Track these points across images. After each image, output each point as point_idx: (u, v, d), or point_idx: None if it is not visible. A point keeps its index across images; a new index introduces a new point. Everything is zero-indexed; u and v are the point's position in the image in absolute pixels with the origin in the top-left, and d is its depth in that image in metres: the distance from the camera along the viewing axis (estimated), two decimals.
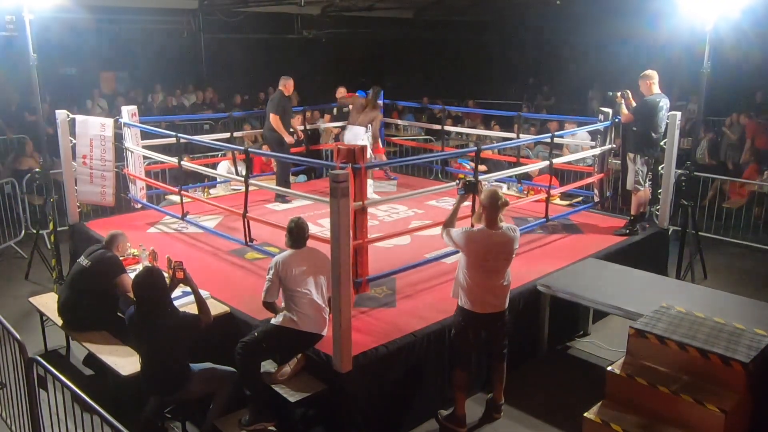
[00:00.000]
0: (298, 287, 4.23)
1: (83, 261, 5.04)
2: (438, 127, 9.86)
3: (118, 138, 7.32)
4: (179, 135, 6.83)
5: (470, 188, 4.60)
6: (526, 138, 8.50)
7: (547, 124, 10.77)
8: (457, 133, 11.94)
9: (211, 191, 8.35)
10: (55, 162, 8.10)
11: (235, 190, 8.33)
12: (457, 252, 4.53)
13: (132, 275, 4.74)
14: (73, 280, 5.03)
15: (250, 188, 6.15)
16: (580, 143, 8.31)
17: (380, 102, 8.95)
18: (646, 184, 6.66)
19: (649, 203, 6.94)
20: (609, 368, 4.13)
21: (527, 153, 9.77)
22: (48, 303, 5.44)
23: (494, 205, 4.24)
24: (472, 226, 4.50)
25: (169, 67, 14.23)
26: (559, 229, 6.95)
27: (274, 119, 7.87)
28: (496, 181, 8.31)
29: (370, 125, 8.40)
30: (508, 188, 8.61)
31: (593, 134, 7.68)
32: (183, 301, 4.71)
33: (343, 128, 8.97)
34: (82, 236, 6.94)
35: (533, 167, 8.15)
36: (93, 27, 12.25)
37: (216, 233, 6.66)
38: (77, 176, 7.20)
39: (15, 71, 10.08)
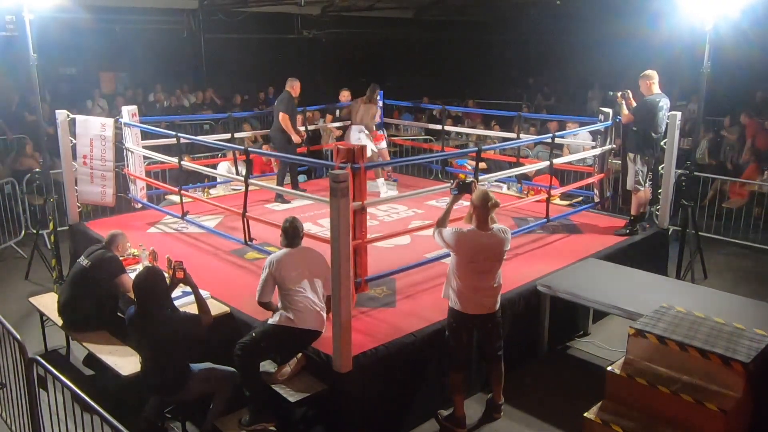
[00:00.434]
0: (292, 286, 4.24)
1: (83, 261, 5.04)
2: (438, 127, 9.86)
3: (118, 138, 7.32)
4: (179, 135, 6.84)
5: (464, 188, 4.59)
6: (526, 138, 8.50)
7: (547, 124, 10.77)
8: (457, 133, 11.93)
9: (211, 191, 8.35)
10: (55, 162, 8.10)
11: (235, 190, 8.33)
12: None
13: (132, 275, 4.74)
14: (73, 280, 5.03)
15: (250, 188, 6.15)
16: (581, 143, 8.31)
17: (379, 100, 8.94)
18: (646, 184, 6.66)
19: (649, 203, 6.94)
20: (609, 368, 4.13)
21: (527, 153, 9.77)
22: (48, 303, 5.44)
23: (484, 206, 4.24)
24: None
25: (169, 67, 14.24)
26: (560, 229, 6.95)
27: (283, 118, 7.89)
28: (496, 181, 8.34)
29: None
30: (508, 188, 8.61)
31: (593, 134, 7.68)
32: (183, 301, 4.71)
33: (343, 128, 8.98)
34: (82, 236, 6.94)
35: (534, 167, 8.15)
36: (93, 27, 12.24)
37: (216, 233, 6.66)
38: (77, 176, 7.20)
39: (15, 71, 10.10)
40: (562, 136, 8.03)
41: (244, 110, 12.59)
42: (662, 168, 6.91)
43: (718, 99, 10.96)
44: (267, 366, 4.43)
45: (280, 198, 8.00)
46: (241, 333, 4.53)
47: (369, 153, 8.13)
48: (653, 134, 6.44)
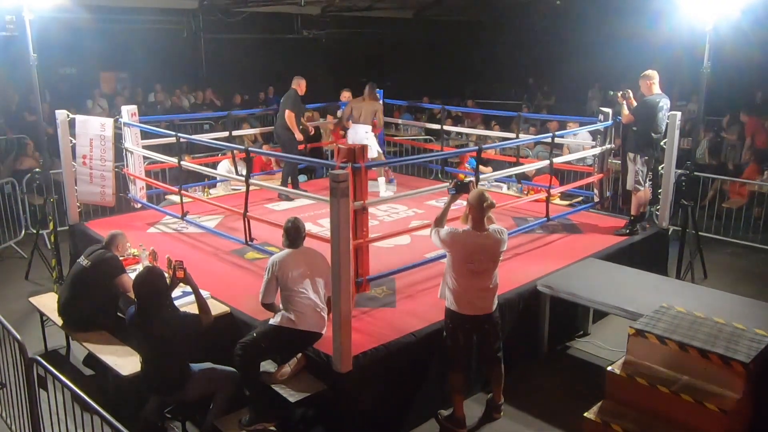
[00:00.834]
0: (294, 287, 4.24)
1: (83, 261, 5.04)
2: (438, 126, 9.87)
3: (118, 138, 7.31)
4: (179, 135, 6.84)
5: (462, 188, 4.58)
6: (526, 138, 8.50)
7: (547, 124, 10.77)
8: (457, 133, 11.94)
9: (211, 191, 8.35)
10: (55, 162, 8.10)
11: (235, 189, 8.33)
12: None
13: (132, 275, 4.74)
14: (73, 280, 5.03)
15: (251, 188, 6.15)
16: (581, 143, 8.32)
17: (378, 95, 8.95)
18: (646, 184, 6.66)
19: (649, 203, 6.94)
20: (609, 368, 4.13)
21: (527, 153, 9.78)
22: (48, 303, 5.44)
23: (480, 207, 4.24)
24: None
25: (169, 67, 14.23)
26: (559, 229, 6.95)
27: (289, 115, 7.89)
28: (496, 180, 8.34)
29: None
30: (508, 188, 8.61)
31: (593, 134, 7.68)
32: (183, 301, 4.71)
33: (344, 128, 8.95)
34: (82, 236, 6.94)
35: (534, 167, 8.15)
36: (93, 27, 12.22)
37: (216, 233, 6.66)
38: (77, 176, 7.20)
39: (15, 71, 10.09)
40: (561, 136, 8.04)
41: (244, 110, 12.57)
42: (662, 168, 6.90)
43: (718, 99, 10.95)
44: (267, 366, 4.43)
45: (284, 195, 7.99)
46: (242, 333, 4.54)
47: (375, 154, 8.16)
48: (653, 134, 6.45)
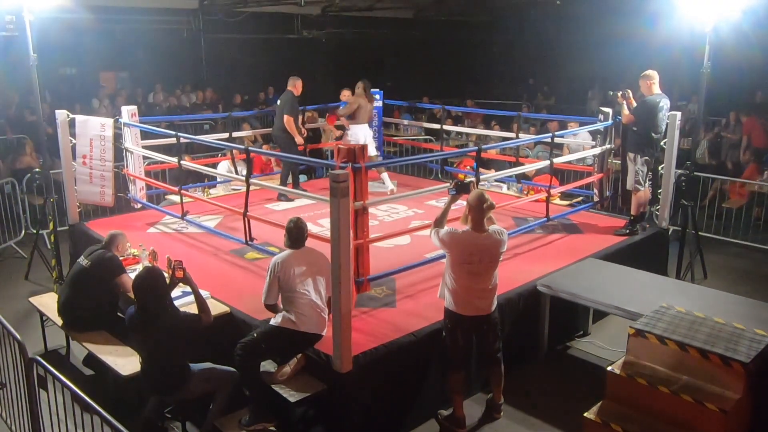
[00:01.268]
0: (296, 288, 4.24)
1: (83, 261, 5.04)
2: (438, 126, 9.87)
3: (118, 138, 7.31)
4: (179, 134, 6.84)
5: (462, 189, 4.58)
6: (526, 138, 8.50)
7: (547, 124, 10.77)
8: (457, 133, 11.94)
9: (212, 191, 8.35)
10: (55, 162, 8.10)
11: (235, 189, 8.33)
12: None
13: (132, 275, 4.74)
14: (73, 281, 5.03)
15: (251, 188, 6.15)
16: (581, 143, 8.32)
17: (375, 95, 8.95)
18: (646, 184, 6.66)
19: (649, 203, 6.94)
20: (609, 368, 4.13)
21: (527, 153, 9.78)
22: (48, 303, 5.44)
23: (479, 208, 4.24)
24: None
25: (169, 67, 14.23)
26: (559, 229, 6.95)
27: (288, 120, 7.90)
28: (496, 181, 8.34)
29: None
30: (508, 188, 8.62)
31: (593, 134, 7.68)
32: (183, 301, 4.71)
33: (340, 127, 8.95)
34: (82, 236, 6.94)
35: (534, 167, 8.15)
36: (93, 27, 12.22)
37: (216, 233, 6.66)
38: (77, 176, 7.21)
39: (15, 71, 10.08)
40: (561, 136, 8.04)
41: (244, 110, 12.58)
42: (662, 168, 6.91)
43: (718, 99, 10.96)
44: (267, 366, 4.43)
45: (283, 196, 7.99)
46: (242, 333, 4.53)
47: (374, 152, 8.18)
48: (653, 134, 6.45)
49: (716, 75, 6.91)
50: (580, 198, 8.02)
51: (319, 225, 6.86)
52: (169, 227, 7.15)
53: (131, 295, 4.42)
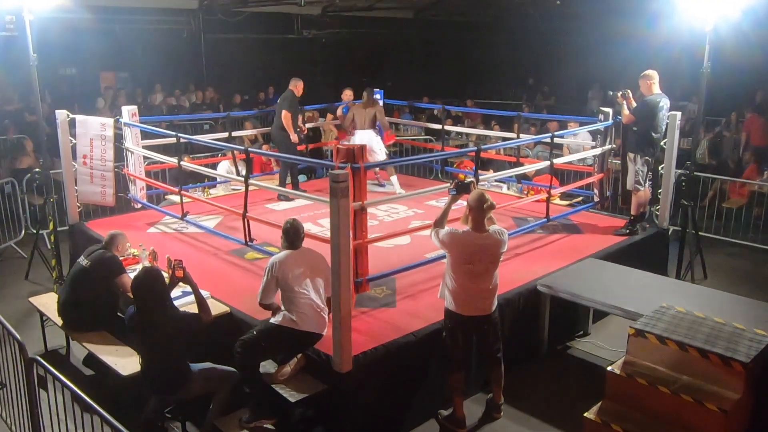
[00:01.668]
0: (295, 288, 4.24)
1: (83, 261, 5.04)
2: (438, 126, 9.87)
3: (118, 138, 7.31)
4: (179, 135, 6.84)
5: (462, 189, 4.58)
6: (526, 138, 8.50)
7: (547, 124, 10.77)
8: (457, 133, 11.93)
9: (211, 191, 8.35)
10: (55, 162, 8.10)
11: (235, 190, 8.33)
12: None
13: (132, 275, 4.74)
14: (73, 281, 5.04)
15: (250, 188, 6.15)
16: (581, 143, 8.32)
17: (378, 97, 8.92)
18: (646, 185, 6.66)
19: (649, 203, 6.94)
20: (609, 368, 4.13)
21: (527, 153, 9.78)
22: (48, 303, 5.44)
23: (480, 208, 4.24)
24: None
25: (169, 67, 14.23)
26: (559, 229, 6.95)
27: (285, 116, 7.89)
28: (496, 181, 8.34)
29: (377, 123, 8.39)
30: (508, 188, 8.61)
31: (593, 134, 7.68)
32: (183, 301, 4.71)
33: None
34: (82, 236, 6.94)
35: (534, 167, 8.15)
36: (93, 27, 12.23)
37: (216, 233, 6.66)
38: (77, 176, 7.20)
39: (15, 71, 10.08)
40: (561, 136, 8.04)
41: (244, 110, 12.58)
42: (662, 168, 6.91)
43: (718, 99, 10.96)
44: (267, 366, 4.43)
45: (283, 196, 7.98)
46: (241, 332, 4.52)
47: (383, 157, 8.17)
48: (653, 134, 6.45)
49: (716, 75, 6.91)
50: (581, 198, 8.02)
51: (319, 225, 6.87)
52: (169, 227, 7.15)
53: (131, 295, 4.41)
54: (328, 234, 4.37)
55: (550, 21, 16.39)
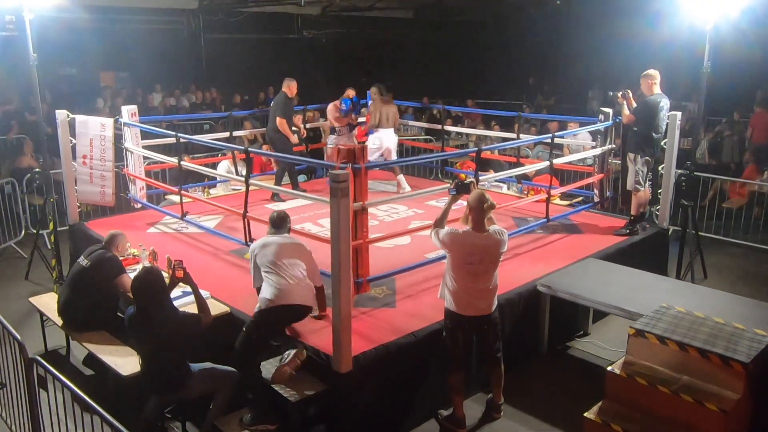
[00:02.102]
0: (268, 266, 4.38)
1: (83, 261, 5.03)
2: (438, 127, 9.86)
3: (118, 138, 7.32)
4: (179, 135, 6.84)
5: (462, 189, 4.58)
6: (526, 138, 8.50)
7: (547, 124, 10.77)
8: (457, 133, 11.93)
9: (211, 191, 8.35)
10: (55, 162, 8.10)
11: (235, 190, 8.33)
12: None
13: (132, 275, 4.74)
14: (73, 281, 5.03)
15: (250, 188, 6.15)
16: (581, 143, 8.31)
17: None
18: (646, 185, 6.66)
19: (649, 203, 6.94)
20: (609, 368, 4.13)
21: (527, 153, 9.78)
22: (48, 303, 5.44)
23: (480, 208, 4.24)
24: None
25: (169, 67, 14.24)
26: (559, 229, 6.95)
27: (280, 122, 7.92)
28: (496, 181, 8.33)
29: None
30: (508, 188, 8.61)
31: (593, 134, 7.68)
32: (183, 301, 4.71)
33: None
34: (82, 236, 6.94)
35: (534, 167, 8.15)
36: (93, 27, 12.24)
37: (216, 233, 6.66)
38: (77, 176, 7.20)
39: (15, 71, 10.09)
40: (562, 136, 8.03)
41: (244, 110, 12.58)
42: (662, 168, 6.91)
43: (718, 99, 10.97)
44: (268, 367, 4.43)
45: (276, 196, 7.98)
46: (239, 337, 4.53)
47: (394, 157, 8.16)
48: (654, 134, 6.44)
49: (716, 75, 6.91)
50: (581, 198, 8.02)
51: (319, 225, 6.87)
52: (169, 227, 7.15)
53: (131, 295, 4.42)
54: (328, 234, 4.37)
55: (550, 21, 16.40)
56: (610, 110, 7.12)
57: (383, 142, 8.26)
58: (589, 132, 7.98)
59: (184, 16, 14.52)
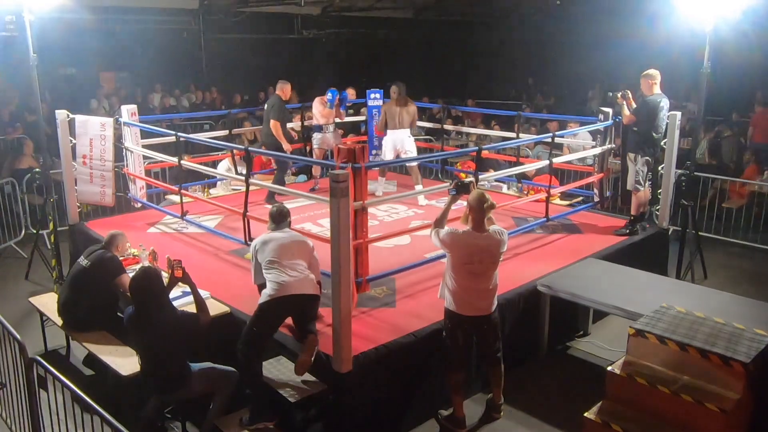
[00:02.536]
0: (268, 262, 4.35)
1: (83, 261, 5.03)
2: (438, 126, 9.85)
3: (118, 138, 7.31)
4: (179, 134, 6.84)
5: (462, 189, 4.58)
6: (526, 138, 8.50)
7: (547, 124, 10.77)
8: (457, 133, 11.93)
9: (212, 191, 8.34)
10: (55, 162, 8.10)
11: (235, 189, 8.32)
12: None
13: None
14: (72, 281, 5.03)
15: (251, 188, 6.15)
16: (581, 143, 8.32)
17: (377, 96, 8.88)
18: (646, 185, 6.66)
19: (649, 203, 6.94)
20: (609, 368, 4.13)
21: (527, 153, 9.78)
22: (48, 303, 5.44)
23: (480, 208, 4.24)
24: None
25: (169, 67, 14.23)
26: (559, 229, 6.95)
27: (274, 125, 7.81)
28: (496, 180, 8.34)
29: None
30: (508, 188, 8.61)
31: (593, 134, 7.68)
32: (183, 301, 4.71)
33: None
34: (82, 236, 6.94)
35: (534, 167, 8.15)
36: (93, 27, 12.24)
37: (216, 233, 6.66)
38: (77, 176, 7.20)
39: (15, 71, 10.09)
40: (561, 136, 8.03)
41: (244, 109, 12.58)
42: (662, 168, 6.90)
43: (718, 99, 10.97)
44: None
45: (271, 198, 7.87)
46: (241, 333, 4.53)
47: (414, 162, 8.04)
48: (654, 134, 6.45)
49: (716, 75, 6.91)
50: (580, 198, 8.02)
51: (319, 225, 6.87)
52: (169, 227, 7.15)
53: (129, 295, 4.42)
54: (328, 234, 4.37)
55: (550, 21, 16.40)
56: (609, 110, 7.12)
57: (385, 143, 8.15)
58: (588, 132, 7.98)
59: (184, 16, 14.52)
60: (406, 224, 7.04)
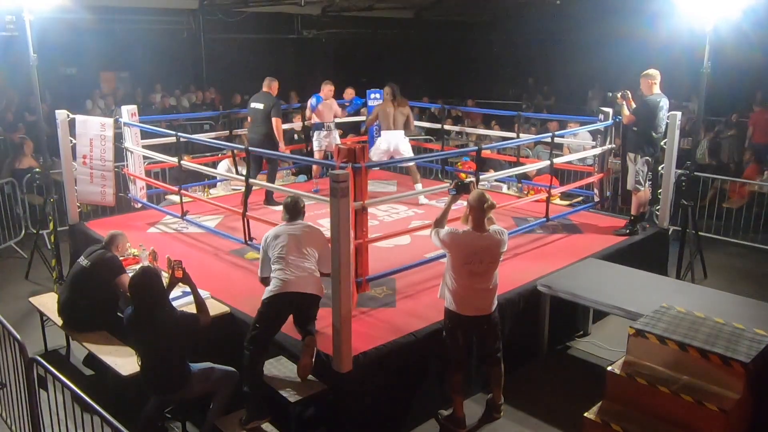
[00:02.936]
0: (279, 256, 4.34)
1: (83, 261, 5.04)
2: (438, 126, 9.85)
3: (118, 138, 7.31)
4: (179, 134, 6.84)
5: (462, 189, 4.58)
6: (526, 138, 8.50)
7: (547, 124, 10.77)
8: (457, 133, 11.93)
9: (212, 191, 8.34)
10: (55, 162, 8.10)
11: (235, 189, 8.32)
12: None
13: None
14: (73, 281, 5.03)
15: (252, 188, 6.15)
16: (581, 143, 8.32)
17: (377, 96, 8.87)
18: (647, 185, 6.66)
19: (649, 203, 6.94)
20: (609, 368, 4.13)
21: (527, 153, 9.78)
22: (48, 303, 5.44)
23: (480, 208, 4.25)
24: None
25: (169, 67, 14.22)
26: (559, 229, 6.95)
27: (277, 123, 7.62)
28: (496, 180, 8.33)
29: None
30: (508, 188, 8.61)
31: (593, 134, 7.68)
32: (183, 301, 4.71)
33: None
34: (82, 236, 6.94)
35: (534, 167, 8.15)
36: (93, 27, 12.22)
37: (216, 233, 6.66)
38: (77, 176, 7.20)
39: (15, 71, 10.08)
40: (562, 136, 8.03)
41: (243, 110, 12.56)
42: (662, 168, 6.91)
43: (718, 99, 10.97)
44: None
45: (271, 201, 7.80)
46: (241, 333, 4.53)
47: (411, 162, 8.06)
48: (654, 134, 6.45)
49: (716, 75, 6.91)
50: (580, 198, 8.02)
51: (319, 225, 6.84)
52: (169, 227, 7.15)
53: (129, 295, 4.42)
54: (328, 234, 4.37)
55: (550, 21, 16.39)
56: (609, 110, 7.12)
57: (380, 145, 8.11)
58: (589, 132, 7.98)
59: (184, 16, 14.50)
60: (406, 224, 7.04)
